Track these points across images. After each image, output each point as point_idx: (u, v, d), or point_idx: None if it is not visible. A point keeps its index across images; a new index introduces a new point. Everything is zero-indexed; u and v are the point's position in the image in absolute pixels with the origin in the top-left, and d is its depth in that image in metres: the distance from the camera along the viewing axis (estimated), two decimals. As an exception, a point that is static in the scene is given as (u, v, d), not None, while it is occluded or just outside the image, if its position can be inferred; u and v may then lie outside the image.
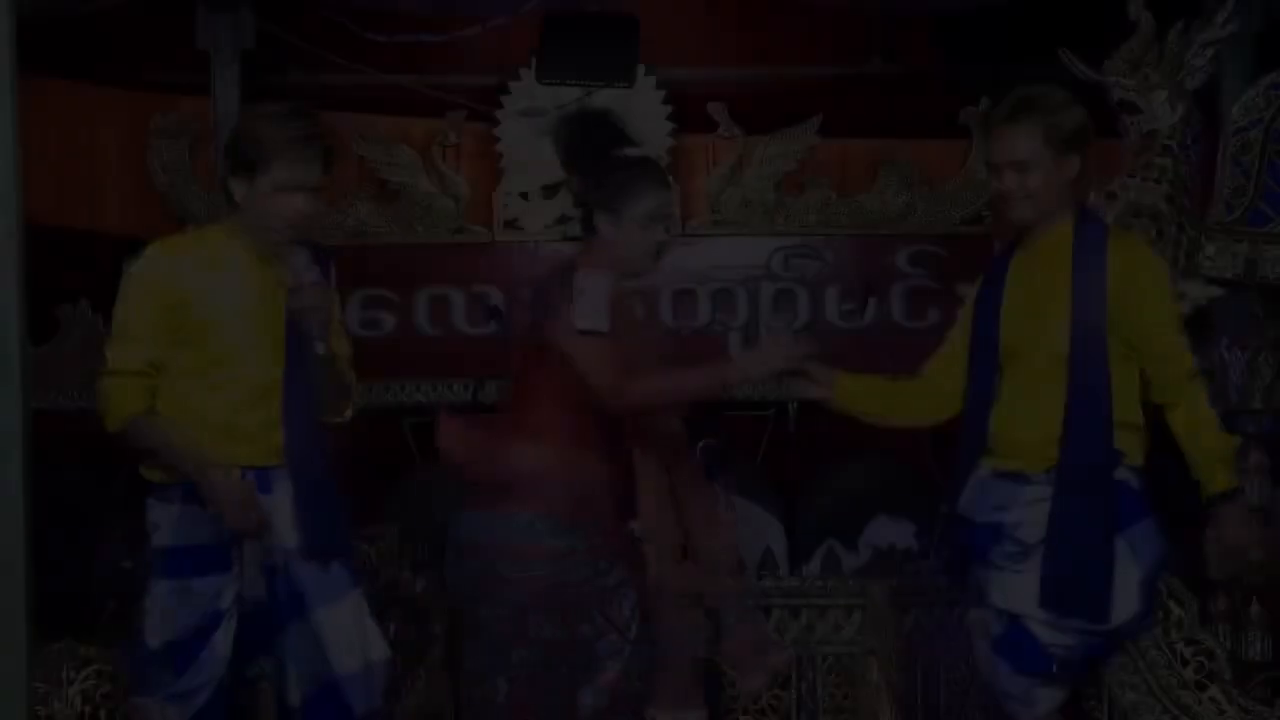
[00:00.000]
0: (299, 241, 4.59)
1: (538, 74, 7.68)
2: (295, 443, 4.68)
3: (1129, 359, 4.77)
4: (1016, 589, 4.73)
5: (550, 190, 8.21)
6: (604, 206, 4.60)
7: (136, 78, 8.43)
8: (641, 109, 8.18)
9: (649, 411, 4.62)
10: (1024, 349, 4.80)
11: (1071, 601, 4.69)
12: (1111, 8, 6.43)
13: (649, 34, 7.66)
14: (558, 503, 4.47)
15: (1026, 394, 4.78)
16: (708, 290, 8.41)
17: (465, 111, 8.19)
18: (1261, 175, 6.43)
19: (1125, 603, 4.76)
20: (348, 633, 4.67)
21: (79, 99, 8.23)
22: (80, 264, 8.36)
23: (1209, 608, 6.31)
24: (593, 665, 4.50)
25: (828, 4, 7.94)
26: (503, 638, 4.47)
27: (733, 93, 8.25)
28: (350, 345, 4.88)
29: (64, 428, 8.26)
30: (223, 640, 4.63)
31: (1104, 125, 6.55)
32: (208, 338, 4.61)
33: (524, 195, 8.23)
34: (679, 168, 8.21)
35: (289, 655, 4.66)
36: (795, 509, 8.07)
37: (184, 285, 4.64)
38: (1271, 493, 6.42)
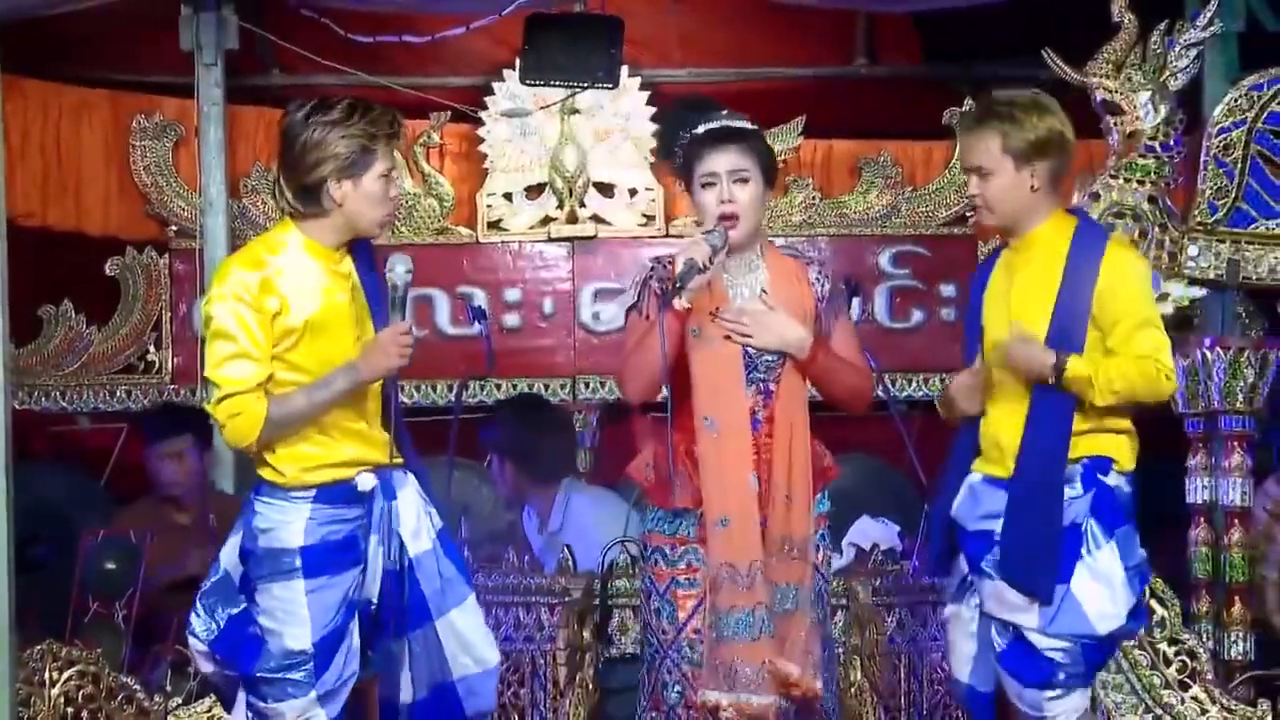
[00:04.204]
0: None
1: (521, 74, 7.67)
2: (403, 437, 4.74)
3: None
4: (1009, 599, 4.73)
5: (534, 191, 8.21)
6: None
7: (119, 78, 8.41)
8: (625, 110, 8.19)
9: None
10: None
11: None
12: (1095, 9, 6.44)
13: (633, 34, 7.65)
14: None
15: (1008, 398, 4.79)
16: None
17: (449, 112, 8.18)
18: (1244, 176, 6.46)
19: (1116, 606, 4.74)
20: (464, 636, 4.71)
21: (61, 99, 8.21)
22: (63, 264, 8.35)
23: (1191, 608, 6.33)
24: None
25: (811, 5, 7.93)
26: None
27: (716, 93, 8.23)
28: None
29: (46, 428, 8.26)
30: (356, 635, 4.63)
31: (1087, 125, 6.58)
32: (308, 343, 4.57)
33: (508, 196, 8.21)
34: (663, 168, 8.19)
35: (411, 658, 4.68)
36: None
37: (277, 294, 4.55)
38: (1252, 492, 6.44)
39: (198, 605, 4.69)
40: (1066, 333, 4.71)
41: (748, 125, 4.91)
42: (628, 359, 4.85)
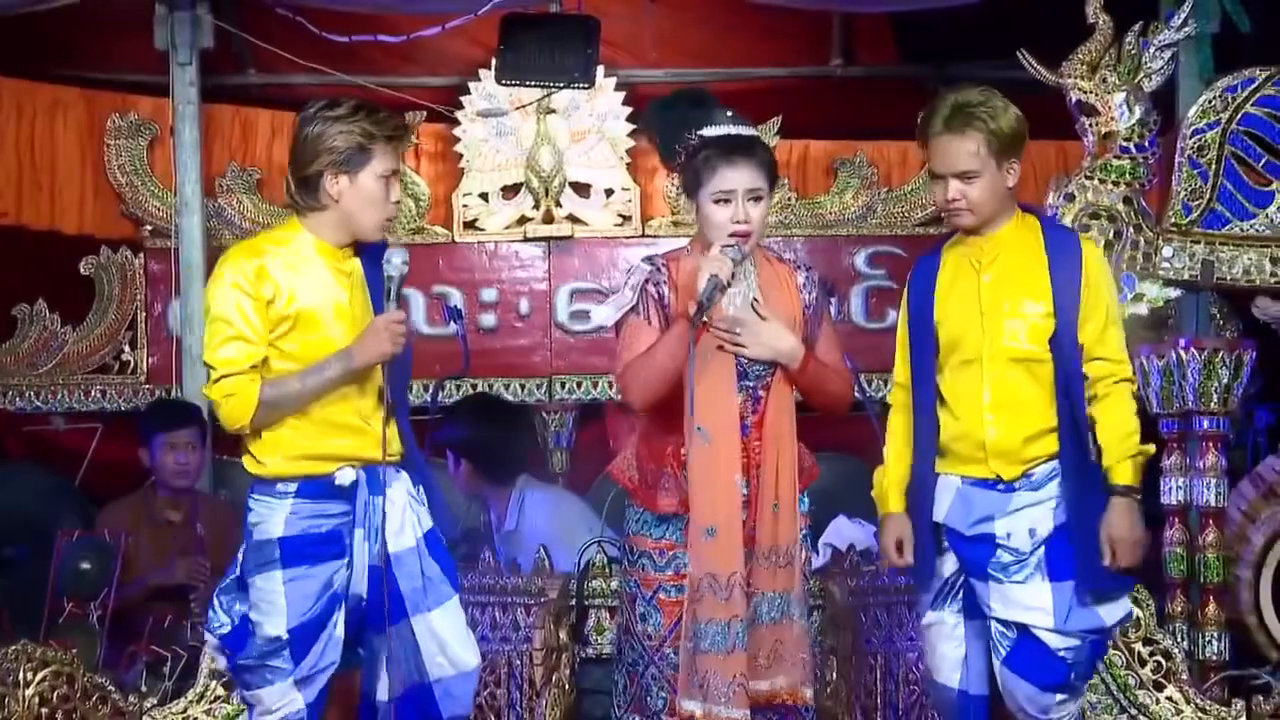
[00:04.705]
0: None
1: (497, 75, 7.66)
2: (407, 434, 4.76)
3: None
4: (1019, 599, 4.71)
5: (510, 191, 8.21)
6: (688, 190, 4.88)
7: (94, 77, 8.39)
8: (601, 110, 8.19)
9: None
10: (975, 352, 4.78)
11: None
12: (1070, 10, 6.46)
13: (609, 34, 7.65)
14: None
15: (978, 399, 4.77)
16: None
17: (425, 112, 8.17)
18: (1218, 177, 6.49)
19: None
20: (442, 638, 4.73)
21: (36, 98, 8.19)
22: (37, 264, 8.33)
23: (1166, 608, 6.35)
24: None
25: (787, 5, 7.94)
26: None
27: (693, 94, 8.24)
28: None
29: (20, 428, 8.24)
30: (340, 624, 4.66)
31: (1062, 126, 6.60)
32: (301, 333, 4.63)
33: (484, 196, 8.21)
34: (639, 169, 8.21)
35: (388, 655, 4.70)
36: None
37: (271, 282, 4.62)
38: (1226, 493, 6.46)
39: (214, 601, 4.77)
40: (1070, 332, 4.71)
41: (754, 132, 4.89)
42: (634, 365, 4.79)
